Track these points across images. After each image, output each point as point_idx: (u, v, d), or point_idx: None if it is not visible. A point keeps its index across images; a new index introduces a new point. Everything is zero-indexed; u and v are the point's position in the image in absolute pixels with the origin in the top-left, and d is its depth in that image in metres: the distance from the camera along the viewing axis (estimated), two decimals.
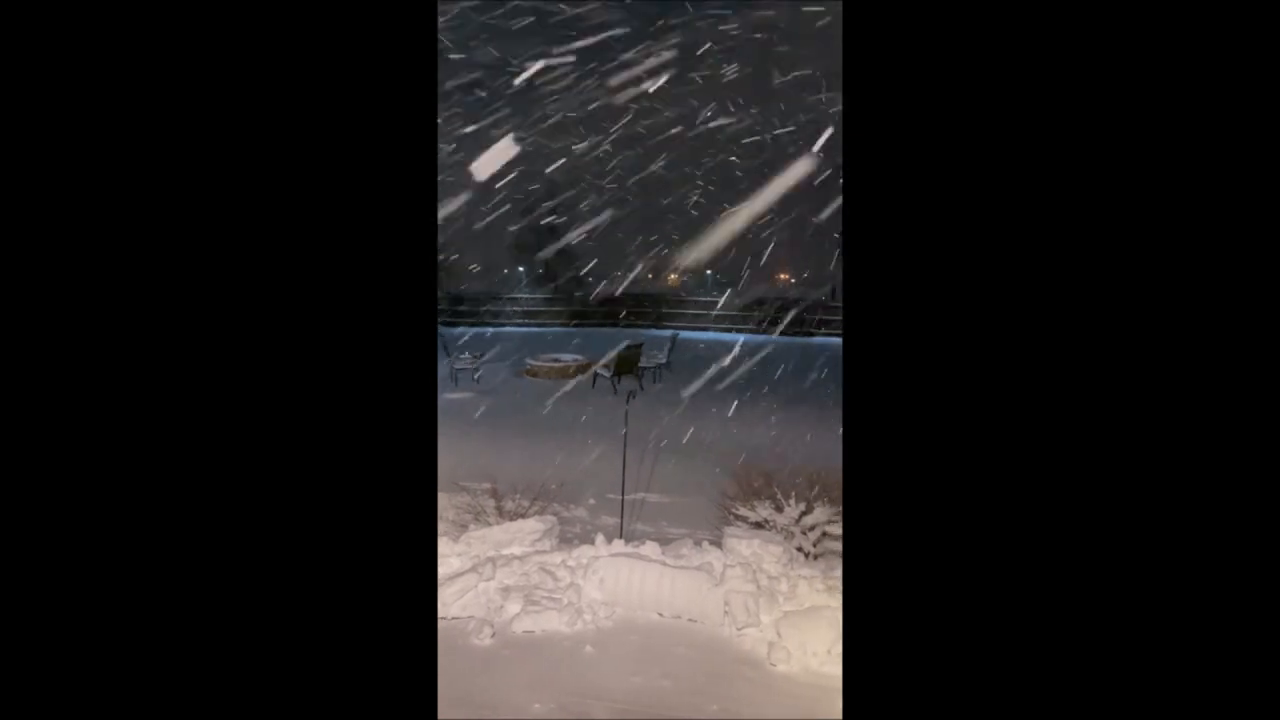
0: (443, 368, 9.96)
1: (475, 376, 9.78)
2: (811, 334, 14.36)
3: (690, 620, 2.76)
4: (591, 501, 5.03)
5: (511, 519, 3.52)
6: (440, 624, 2.75)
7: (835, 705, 2.23)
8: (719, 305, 15.42)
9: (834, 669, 2.38)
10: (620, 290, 16.32)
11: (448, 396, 8.78)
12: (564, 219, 18.04)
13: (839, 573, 2.89)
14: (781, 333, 13.91)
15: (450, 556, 3.05)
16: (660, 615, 2.80)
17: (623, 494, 3.99)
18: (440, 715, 2.20)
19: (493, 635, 2.65)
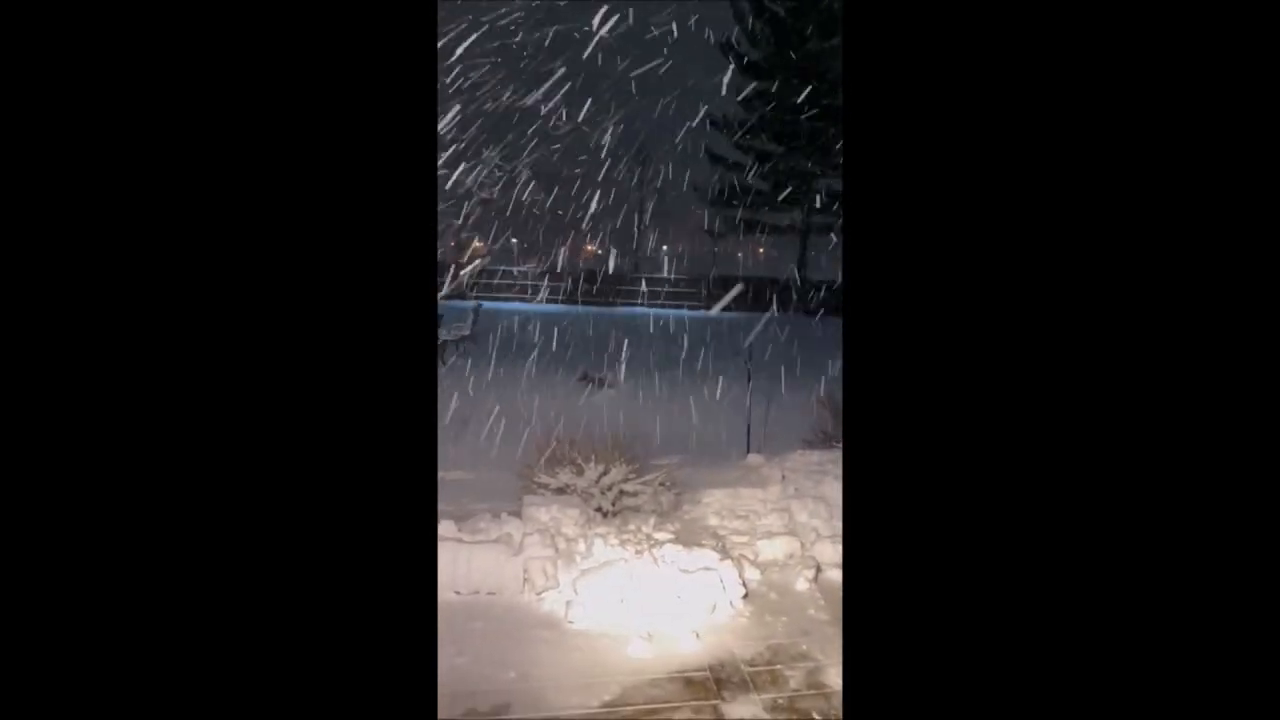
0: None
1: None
2: (613, 304, 14.91)
3: (489, 593, 2.73)
4: None
5: None
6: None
7: (621, 652, 2.38)
8: (525, 276, 15.23)
9: (623, 618, 2.53)
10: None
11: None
12: None
13: (633, 526, 3.07)
14: (585, 303, 14.22)
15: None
16: (458, 593, 2.72)
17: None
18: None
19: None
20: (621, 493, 3.44)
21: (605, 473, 3.43)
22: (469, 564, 2.74)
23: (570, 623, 2.55)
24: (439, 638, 2.37)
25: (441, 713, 2.03)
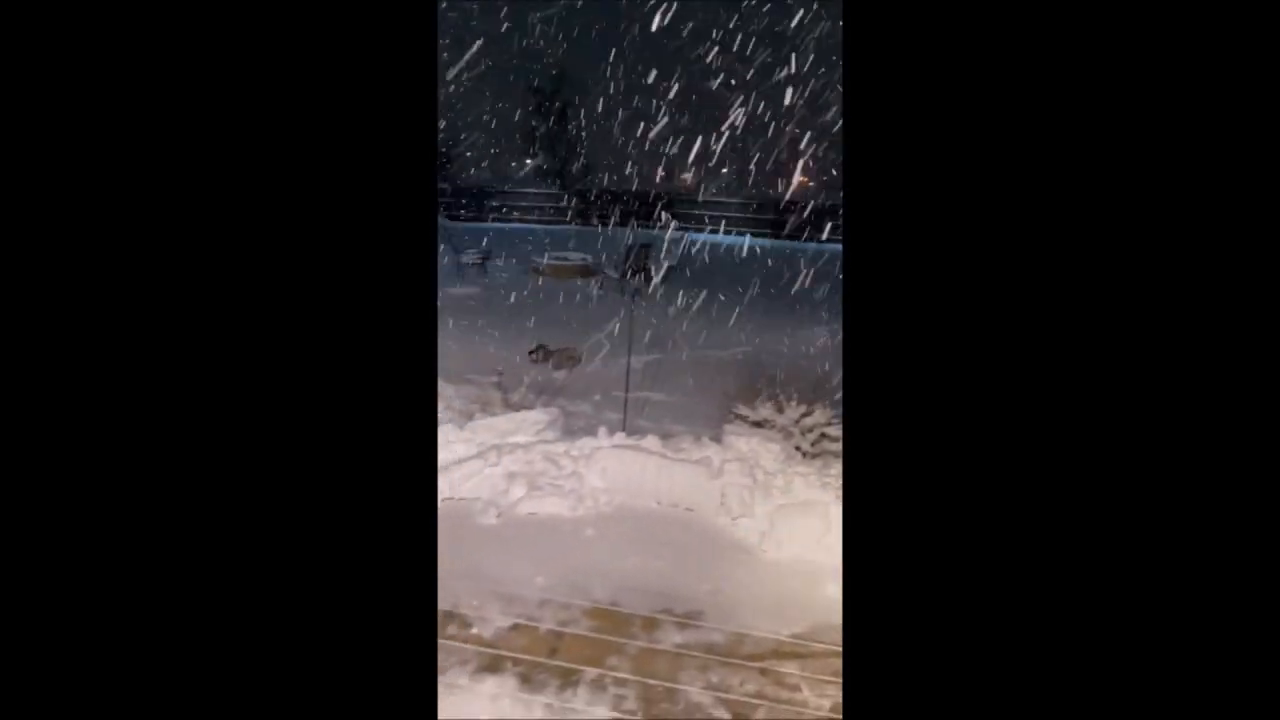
0: (448, 262, 9.83)
1: (482, 272, 9.67)
2: (822, 239, 13.97)
3: (687, 509, 2.87)
4: (596, 398, 5.11)
5: (516, 410, 3.60)
6: (448, 504, 2.88)
7: (820, 588, 2.36)
8: (732, 207, 14.89)
9: (822, 557, 2.50)
10: (631, 189, 15.74)
11: (453, 291, 8.73)
12: (574, 109, 17.05)
13: (835, 471, 2.97)
14: (793, 237, 13.53)
15: (456, 443, 3.14)
16: (658, 504, 2.91)
17: (626, 390, 4.04)
18: (452, 585, 2.37)
19: (498, 516, 2.78)
20: (823, 435, 3.33)
21: (808, 413, 3.34)
22: (670, 479, 2.91)
23: (764, 551, 2.59)
24: (637, 540, 2.61)
25: (638, 608, 2.24)
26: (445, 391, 4.47)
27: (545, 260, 9.96)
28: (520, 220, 15.26)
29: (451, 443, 3.13)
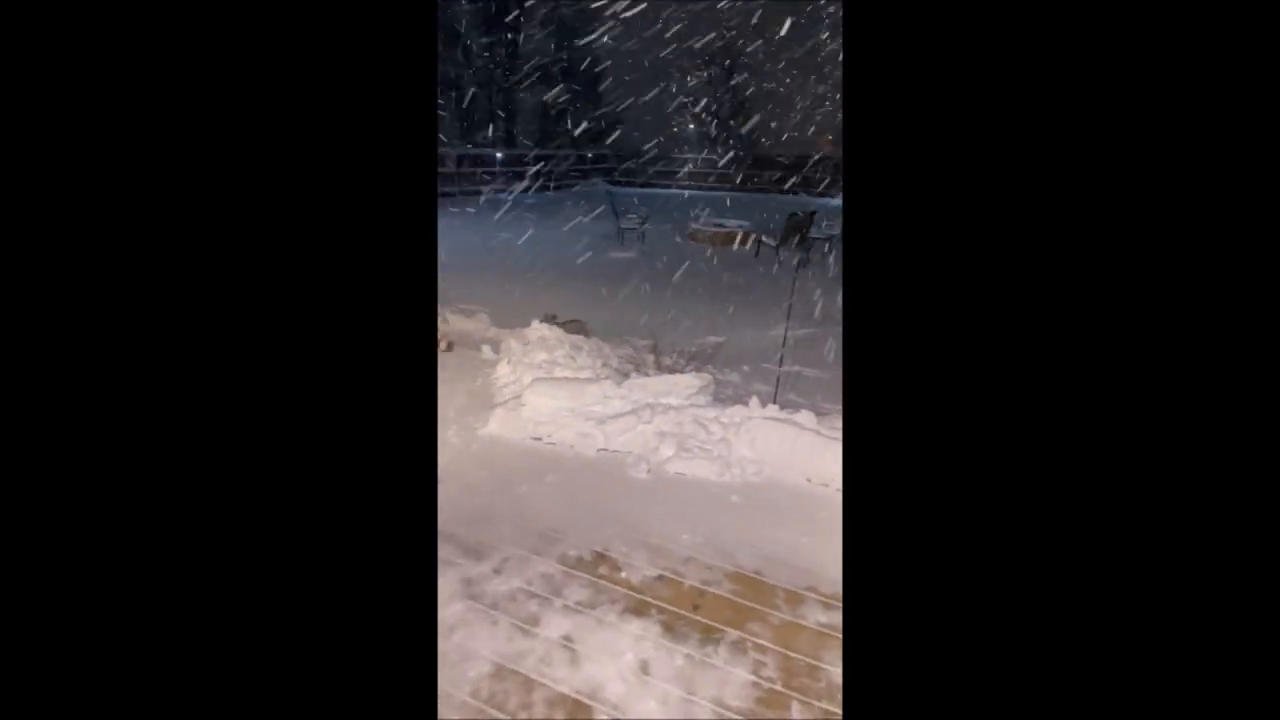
0: (610, 227, 10.19)
1: (640, 237, 9.90)
2: None
3: (838, 490, 2.76)
4: (746, 368, 5.05)
5: (669, 373, 3.67)
6: (603, 454, 3.05)
7: None
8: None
9: None
10: (793, 155, 15.01)
11: (613, 255, 9.07)
12: (738, 77, 16.52)
13: None
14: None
15: (614, 399, 3.29)
16: (808, 480, 2.83)
17: (780, 363, 3.94)
18: (603, 530, 2.53)
19: (648, 471, 2.89)
20: None
21: None
22: (824, 456, 2.80)
23: None
24: (784, 513, 2.57)
25: (782, 581, 2.22)
26: (603, 349, 4.70)
27: (701, 225, 9.91)
28: (682, 185, 15.30)
29: (609, 398, 3.29)
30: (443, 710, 1.65)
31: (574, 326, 4.61)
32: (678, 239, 9.86)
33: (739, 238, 9.18)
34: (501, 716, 1.65)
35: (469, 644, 1.88)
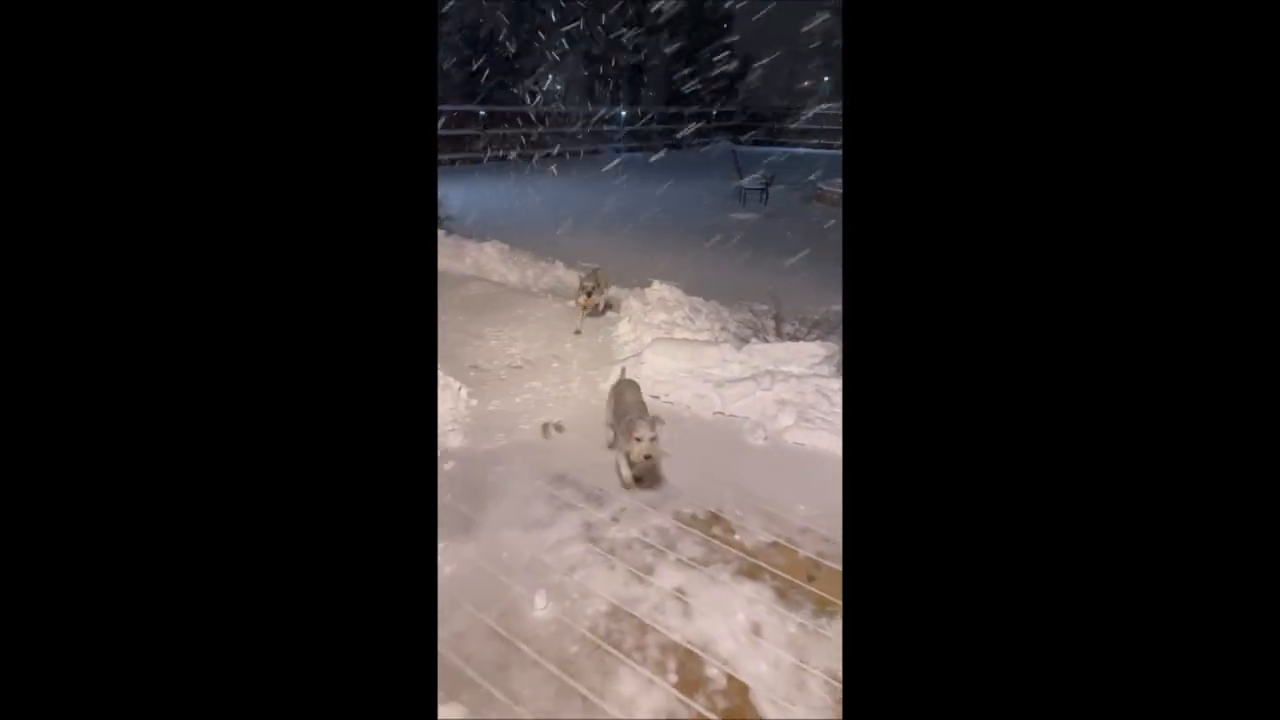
0: (732, 187, 9.92)
1: (763, 199, 9.56)
2: None
3: None
4: None
5: (791, 340, 3.56)
6: (718, 418, 3.05)
7: None
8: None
9: None
10: None
11: (733, 217, 8.85)
12: None
13: None
14: None
15: (732, 363, 3.26)
16: None
17: None
18: (717, 491, 2.55)
19: (765, 438, 2.85)
20: None
21: None
22: None
23: None
24: None
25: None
26: (721, 314, 4.64)
27: (830, 187, 9.36)
28: (810, 145, 14.49)
29: (727, 362, 3.26)
30: (563, 641, 1.78)
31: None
32: (804, 201, 9.40)
33: None
34: (617, 653, 1.74)
35: (589, 583, 2.00)
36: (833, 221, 8.43)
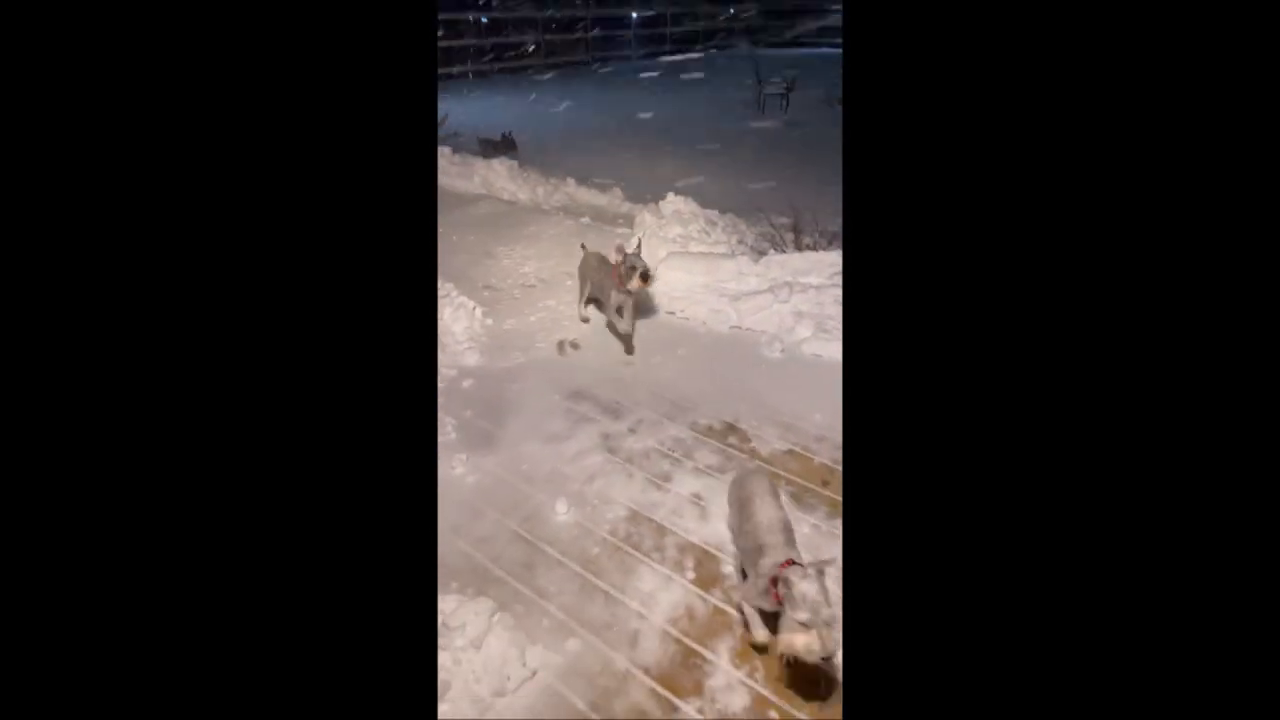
0: (751, 93, 9.38)
1: (784, 104, 9.05)
2: None
3: None
4: None
5: (809, 250, 3.46)
6: (734, 332, 3.02)
7: None
8: None
9: None
10: None
11: (753, 125, 8.41)
12: None
13: None
14: None
15: (749, 275, 3.19)
16: None
17: None
18: (733, 404, 2.56)
19: (782, 351, 2.83)
20: None
21: None
22: None
23: None
24: None
25: None
26: (738, 227, 4.51)
27: None
28: (834, 44, 13.49)
29: (744, 274, 3.19)
30: (584, 543, 1.86)
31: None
32: (828, 105, 8.87)
33: None
34: (637, 553, 1.82)
35: (608, 490, 2.06)
36: None
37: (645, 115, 8.75)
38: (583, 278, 3.11)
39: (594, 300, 3.15)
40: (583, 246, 3.25)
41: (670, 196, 4.20)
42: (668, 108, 9.35)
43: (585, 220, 4.64)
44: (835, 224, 4.42)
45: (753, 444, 2.27)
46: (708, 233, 3.90)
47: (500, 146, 6.70)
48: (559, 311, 3.27)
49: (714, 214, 4.25)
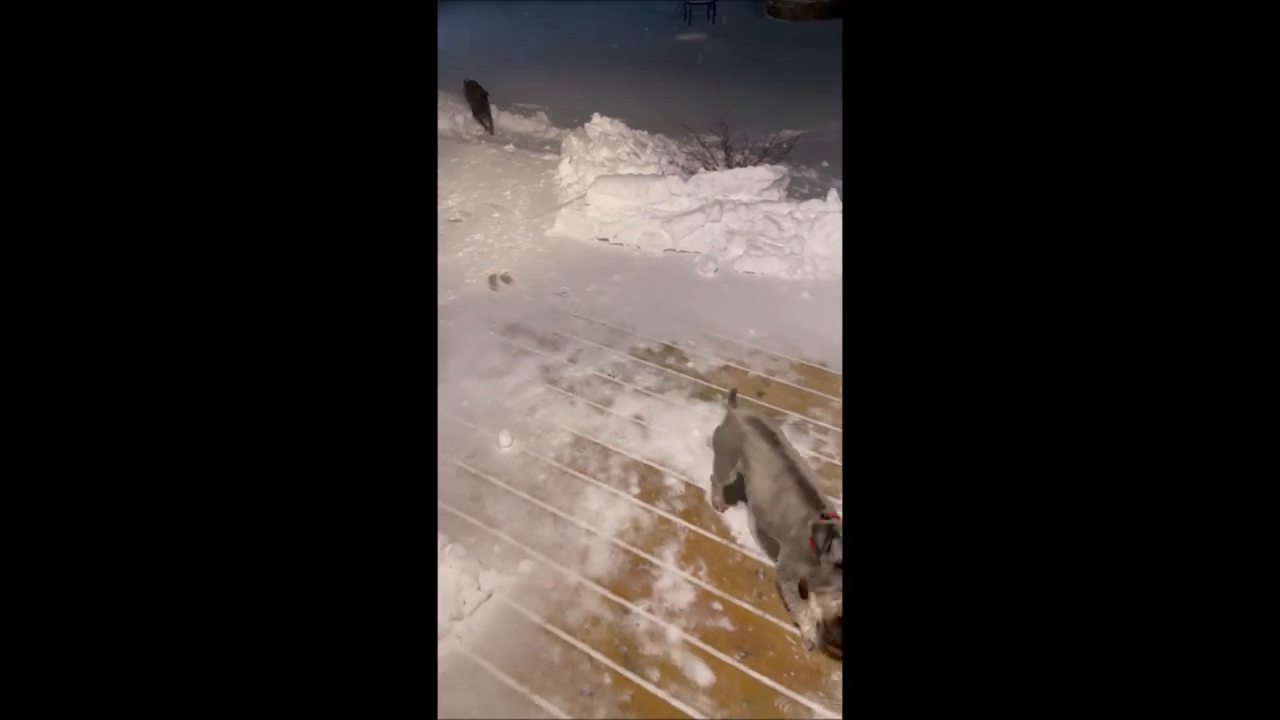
0: (675, 6, 8.94)
1: (711, 16, 8.68)
2: None
3: None
4: (825, 163, 4.65)
5: (740, 168, 3.43)
6: (669, 255, 3.01)
7: None
8: None
9: None
10: None
11: (679, 38, 8.06)
12: None
13: None
14: None
15: (680, 196, 3.15)
16: None
17: None
18: (670, 326, 2.59)
19: (715, 270, 2.85)
20: None
21: None
22: None
23: None
24: None
25: None
26: (668, 147, 4.40)
27: None
28: None
29: (675, 195, 3.15)
30: (530, 471, 1.89)
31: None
32: (756, 15, 8.57)
33: (832, 9, 7.85)
34: (583, 476, 1.87)
35: (551, 419, 2.08)
36: (796, 31, 7.76)
37: (563, 34, 8.24)
38: (732, 454, 1.72)
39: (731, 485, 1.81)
40: (730, 399, 1.86)
41: (596, 118, 4.04)
42: (587, 24, 8.82)
43: (510, 148, 4.43)
44: (766, 140, 4.38)
45: (690, 363, 2.32)
46: (637, 154, 3.79)
47: None
48: (487, 245, 3.16)
49: (643, 134, 4.13)
